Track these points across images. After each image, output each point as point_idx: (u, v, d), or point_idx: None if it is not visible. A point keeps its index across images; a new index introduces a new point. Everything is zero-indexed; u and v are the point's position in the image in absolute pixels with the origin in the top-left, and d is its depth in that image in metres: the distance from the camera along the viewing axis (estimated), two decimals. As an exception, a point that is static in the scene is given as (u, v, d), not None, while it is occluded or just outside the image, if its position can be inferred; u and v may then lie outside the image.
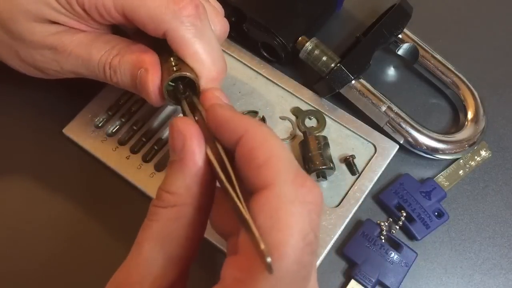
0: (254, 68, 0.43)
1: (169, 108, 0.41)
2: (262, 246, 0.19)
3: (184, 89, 0.30)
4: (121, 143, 0.40)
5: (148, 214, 0.25)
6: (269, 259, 0.19)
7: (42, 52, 0.32)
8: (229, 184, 0.22)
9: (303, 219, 0.21)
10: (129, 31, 0.35)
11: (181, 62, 0.30)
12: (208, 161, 0.24)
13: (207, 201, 0.25)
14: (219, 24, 0.34)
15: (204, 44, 0.30)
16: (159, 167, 0.39)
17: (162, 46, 0.31)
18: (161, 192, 0.25)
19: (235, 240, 0.23)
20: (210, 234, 0.36)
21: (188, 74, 0.29)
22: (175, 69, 0.30)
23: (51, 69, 0.33)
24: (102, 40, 0.32)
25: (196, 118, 0.27)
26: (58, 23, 0.32)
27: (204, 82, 0.30)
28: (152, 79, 0.30)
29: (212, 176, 0.24)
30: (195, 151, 0.24)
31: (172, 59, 0.31)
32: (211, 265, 0.36)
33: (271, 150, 0.22)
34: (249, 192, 0.22)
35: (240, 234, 0.22)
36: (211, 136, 0.24)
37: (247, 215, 0.20)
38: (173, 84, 0.31)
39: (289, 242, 0.20)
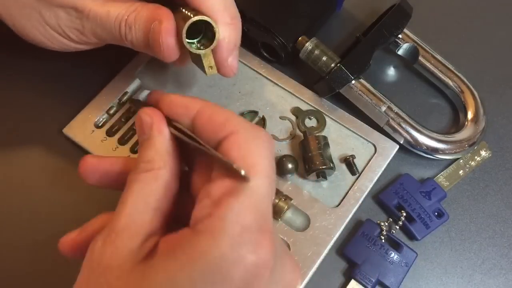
0: (254, 68, 0.43)
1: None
2: (235, 166, 0.24)
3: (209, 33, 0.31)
4: (121, 143, 0.40)
5: (127, 182, 0.28)
6: (243, 172, 0.24)
7: (64, 11, 0.33)
8: (195, 141, 0.27)
9: (265, 149, 0.26)
10: None
11: (194, 11, 0.31)
12: (172, 136, 0.29)
13: (176, 168, 0.29)
14: None
15: None
16: (159, 167, 0.39)
17: (173, 4, 0.32)
18: (138, 163, 0.28)
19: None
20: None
21: (205, 17, 0.30)
22: (192, 15, 0.30)
23: (74, 27, 0.34)
24: (120, 0, 0.33)
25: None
26: None
27: (220, 27, 0.31)
28: (165, 29, 0.31)
29: (177, 148, 0.29)
30: (162, 127, 0.28)
31: (184, 10, 0.31)
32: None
33: (227, 113, 0.27)
34: (215, 145, 0.27)
35: (212, 175, 0.26)
36: (170, 120, 0.29)
37: (217, 153, 0.26)
38: (187, 40, 0.31)
39: (261, 163, 0.25)
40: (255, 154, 0.26)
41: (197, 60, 0.33)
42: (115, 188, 0.32)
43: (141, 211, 0.27)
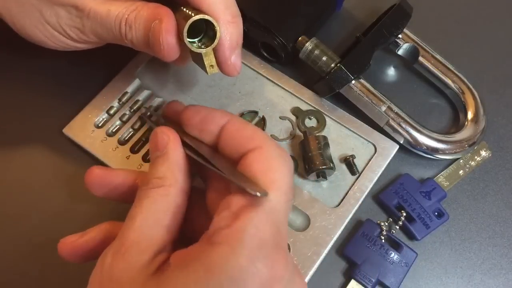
0: (254, 68, 0.43)
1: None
2: (249, 189, 0.24)
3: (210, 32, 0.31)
4: (121, 143, 0.40)
5: (136, 197, 0.28)
6: (258, 194, 0.24)
7: (65, 9, 0.33)
8: (209, 163, 0.28)
9: (287, 168, 0.27)
10: None
11: (195, 11, 0.31)
12: (185, 155, 0.30)
13: (187, 186, 0.29)
14: None
15: None
16: (159, 167, 0.39)
17: (174, 3, 0.32)
18: (149, 178, 0.29)
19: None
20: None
21: (207, 16, 0.30)
22: (192, 14, 0.30)
23: (74, 26, 0.34)
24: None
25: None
26: None
27: (221, 26, 0.31)
28: (166, 28, 0.31)
29: (188, 166, 0.30)
30: (177, 146, 0.30)
31: (185, 9, 0.31)
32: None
33: (252, 127, 0.29)
34: (234, 162, 0.28)
35: (228, 193, 0.27)
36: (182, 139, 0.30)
37: (231, 176, 0.26)
38: (188, 39, 0.31)
39: (282, 179, 0.26)
40: (277, 171, 0.26)
41: (198, 59, 0.33)
42: (121, 201, 0.32)
43: (151, 226, 0.27)
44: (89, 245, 0.30)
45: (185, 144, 0.30)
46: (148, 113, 0.41)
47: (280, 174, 0.26)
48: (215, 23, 0.30)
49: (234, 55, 0.33)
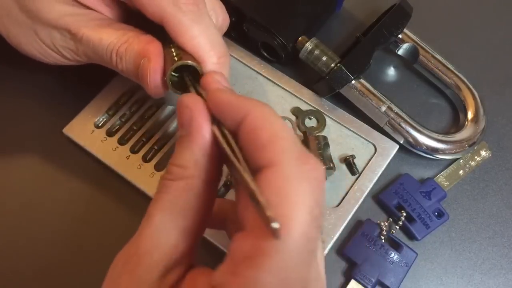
0: (254, 68, 0.43)
1: (169, 108, 0.41)
2: (269, 213, 0.19)
3: (190, 77, 0.30)
4: (121, 143, 0.40)
5: (157, 188, 0.25)
6: (275, 225, 0.19)
7: (59, 32, 0.33)
8: (235, 158, 0.23)
9: (309, 195, 0.21)
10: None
11: (181, 51, 0.31)
12: (214, 137, 0.24)
13: (215, 175, 0.25)
14: (221, 15, 0.34)
15: (202, 29, 0.30)
16: (159, 167, 0.39)
17: (164, 36, 0.32)
18: (171, 166, 0.25)
19: (234, 227, 0.25)
20: (210, 235, 0.36)
21: (189, 62, 0.29)
22: (176, 58, 0.30)
23: (68, 48, 0.34)
24: (114, 27, 0.33)
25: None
26: (74, 3, 0.33)
27: (206, 68, 0.30)
28: (153, 69, 0.30)
29: (218, 151, 0.24)
30: (202, 125, 0.24)
31: (173, 49, 0.31)
32: (211, 265, 0.36)
33: (274, 129, 0.22)
34: (253, 171, 0.22)
35: (248, 210, 0.22)
36: (215, 119, 0.25)
37: (254, 185, 0.21)
38: (177, 75, 0.31)
39: (296, 217, 0.20)
40: (294, 202, 0.20)
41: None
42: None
43: (169, 231, 0.24)
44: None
45: (216, 122, 0.24)
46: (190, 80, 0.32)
47: (297, 208, 0.20)
48: (198, 68, 0.30)
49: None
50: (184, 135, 0.25)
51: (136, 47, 0.31)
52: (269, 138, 0.22)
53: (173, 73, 0.30)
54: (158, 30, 0.32)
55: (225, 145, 0.23)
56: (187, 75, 0.30)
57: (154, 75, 0.31)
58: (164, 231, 0.24)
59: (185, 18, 0.30)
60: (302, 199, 0.21)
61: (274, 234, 0.19)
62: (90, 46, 0.33)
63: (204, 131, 0.24)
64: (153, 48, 0.31)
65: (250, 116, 0.23)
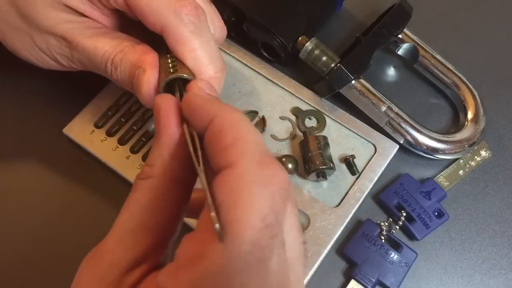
0: (254, 68, 0.43)
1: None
2: (212, 213, 0.19)
3: (180, 84, 0.30)
4: (121, 143, 0.40)
5: (132, 187, 0.26)
6: (217, 226, 0.18)
7: (55, 38, 0.33)
8: (195, 158, 0.23)
9: (263, 200, 0.20)
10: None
11: (178, 62, 0.30)
12: (184, 137, 0.24)
13: (185, 175, 0.25)
14: (218, 27, 0.34)
15: (202, 42, 0.30)
16: (159, 167, 0.39)
17: (162, 45, 0.31)
18: (144, 165, 0.25)
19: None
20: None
21: (185, 75, 0.29)
22: (171, 70, 0.30)
23: (64, 54, 0.34)
24: (109, 36, 0.33)
25: None
26: (71, 11, 0.33)
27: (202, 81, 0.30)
28: (147, 80, 0.30)
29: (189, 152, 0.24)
30: (170, 124, 0.24)
31: (169, 60, 0.31)
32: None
33: (239, 132, 0.22)
34: (215, 174, 0.22)
35: (203, 211, 0.21)
36: (186, 121, 0.25)
37: (205, 184, 0.21)
38: (171, 83, 0.30)
39: (245, 221, 0.19)
40: (245, 206, 0.19)
41: None
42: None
43: (130, 229, 0.24)
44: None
45: (187, 123, 0.25)
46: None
47: (247, 212, 0.19)
48: (191, 80, 0.29)
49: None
50: (155, 135, 0.25)
51: (131, 57, 0.31)
52: (232, 140, 0.21)
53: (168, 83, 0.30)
54: (155, 39, 0.32)
55: (190, 146, 0.23)
56: (178, 82, 0.30)
57: (148, 86, 0.30)
58: (127, 230, 0.24)
59: (186, 29, 0.30)
60: (255, 203, 0.20)
61: (219, 237, 0.19)
62: (85, 54, 0.33)
63: (171, 130, 0.24)
64: (149, 59, 0.31)
65: (217, 119, 0.23)
